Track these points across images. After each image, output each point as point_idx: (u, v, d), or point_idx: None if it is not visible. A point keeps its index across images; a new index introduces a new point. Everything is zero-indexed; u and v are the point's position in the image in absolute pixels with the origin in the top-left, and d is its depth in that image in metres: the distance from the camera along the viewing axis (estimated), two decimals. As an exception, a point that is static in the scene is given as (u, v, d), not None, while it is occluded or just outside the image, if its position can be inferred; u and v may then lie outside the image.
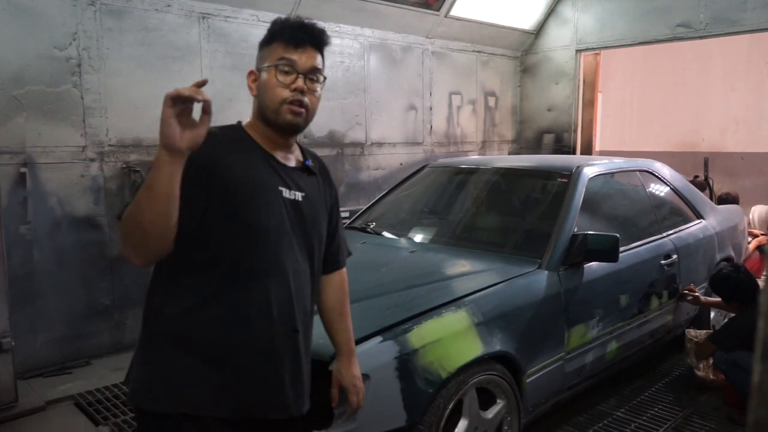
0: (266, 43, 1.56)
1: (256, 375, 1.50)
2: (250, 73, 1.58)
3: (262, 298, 1.49)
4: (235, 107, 4.57)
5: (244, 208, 1.46)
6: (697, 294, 3.77)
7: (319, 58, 1.57)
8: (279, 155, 1.57)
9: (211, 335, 1.46)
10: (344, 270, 1.87)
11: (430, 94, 6.45)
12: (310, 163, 1.65)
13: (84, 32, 3.96)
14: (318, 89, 1.56)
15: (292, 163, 1.60)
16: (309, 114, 1.55)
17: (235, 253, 1.46)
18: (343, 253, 1.87)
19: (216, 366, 1.46)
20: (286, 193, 1.54)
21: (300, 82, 1.51)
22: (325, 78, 1.59)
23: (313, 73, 1.54)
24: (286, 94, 1.50)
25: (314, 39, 1.55)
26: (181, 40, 4.43)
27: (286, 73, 1.51)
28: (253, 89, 1.56)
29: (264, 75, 1.53)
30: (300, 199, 1.57)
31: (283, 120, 1.51)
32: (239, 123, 1.60)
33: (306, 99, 1.52)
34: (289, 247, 1.54)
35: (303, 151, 1.68)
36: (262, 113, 1.54)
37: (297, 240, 1.56)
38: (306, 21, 1.56)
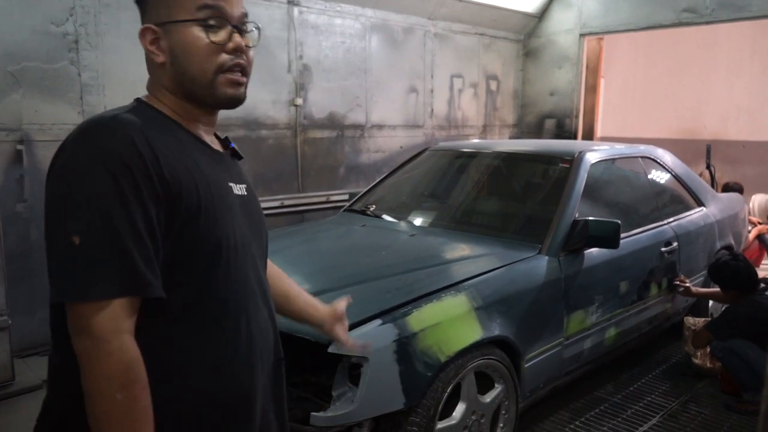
0: None
1: (247, 424, 1.16)
2: (145, 30, 1.08)
3: (245, 335, 1.13)
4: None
5: (212, 217, 1.06)
6: (688, 285, 3.75)
7: None
8: (206, 138, 1.17)
9: (193, 401, 1.07)
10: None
11: (432, 76, 6.39)
12: (234, 145, 1.26)
13: (81, 8, 3.89)
14: (255, 44, 1.15)
15: (219, 148, 1.20)
16: (248, 80, 1.16)
17: (208, 284, 1.07)
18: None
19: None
20: (235, 189, 1.17)
21: (237, 39, 1.10)
22: (259, 28, 1.18)
23: (245, 22, 1.13)
24: (222, 58, 1.09)
25: None
26: (181, 17, 4.36)
27: (215, 28, 1.08)
28: (158, 55, 1.09)
29: (178, 33, 1.06)
30: (245, 192, 1.21)
31: (222, 95, 1.11)
32: (139, 101, 1.13)
33: (244, 58, 1.12)
34: (252, 258, 1.18)
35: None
36: (183, 87, 1.10)
37: (256, 246, 1.21)
38: None
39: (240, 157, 1.28)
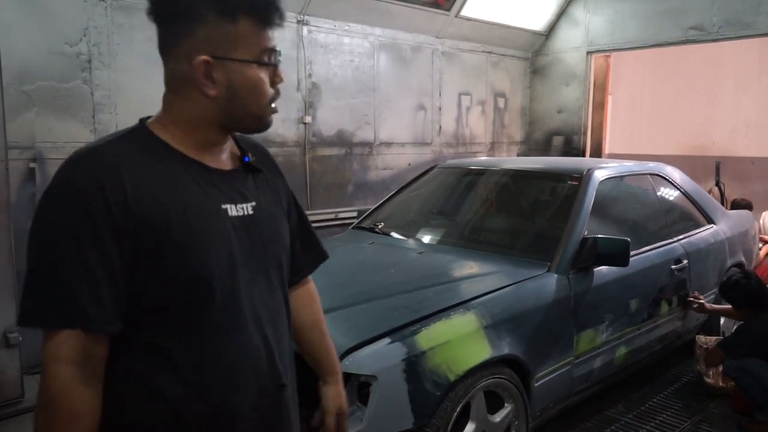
0: (223, 16, 1.06)
1: None
2: (202, 62, 1.06)
3: (224, 361, 1.11)
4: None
5: (186, 251, 1.05)
6: (702, 301, 3.73)
7: None
8: (210, 160, 1.15)
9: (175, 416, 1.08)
10: (310, 279, 1.47)
11: (440, 94, 6.43)
12: (250, 158, 1.22)
13: (95, 28, 3.96)
14: (282, 74, 1.19)
15: (227, 165, 1.19)
16: None
17: (184, 315, 1.07)
18: (310, 258, 1.45)
19: None
20: (233, 210, 1.14)
21: (280, 73, 1.16)
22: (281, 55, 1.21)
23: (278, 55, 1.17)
24: (271, 93, 1.14)
25: (282, 12, 1.14)
26: (192, 37, 4.42)
27: (267, 65, 1.12)
28: (211, 88, 1.08)
29: (239, 71, 1.08)
30: (251, 211, 1.17)
31: (266, 124, 1.16)
32: (142, 123, 1.14)
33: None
34: (250, 284, 1.15)
35: (236, 140, 1.25)
36: (235, 118, 1.13)
37: (259, 268, 1.18)
38: None
39: (258, 171, 1.24)
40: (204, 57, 1.06)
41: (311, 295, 1.47)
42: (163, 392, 1.06)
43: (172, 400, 1.06)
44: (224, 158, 1.19)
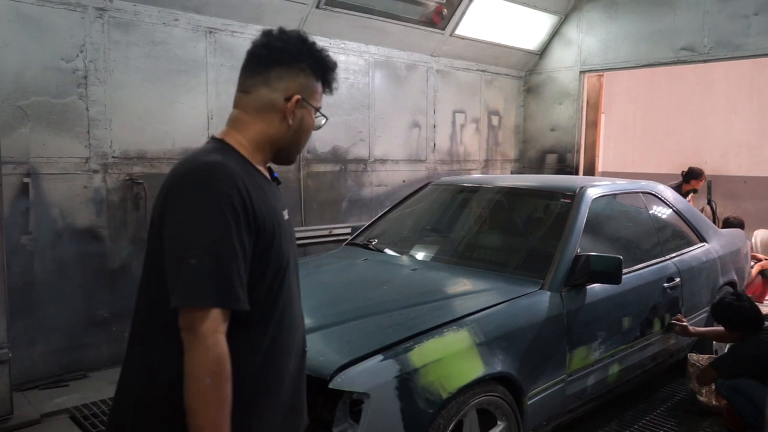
0: (313, 73, 1.45)
1: (292, 406, 1.46)
2: (297, 99, 1.41)
3: (293, 331, 1.44)
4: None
5: (278, 243, 1.35)
6: (684, 324, 3.69)
7: None
8: (263, 171, 1.46)
9: (267, 379, 1.38)
10: None
11: (434, 111, 6.48)
12: (277, 175, 1.53)
13: (91, 44, 3.98)
14: None
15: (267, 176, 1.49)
16: None
17: (277, 291, 1.37)
18: None
19: (271, 408, 1.39)
20: (285, 214, 1.45)
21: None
22: None
23: None
24: None
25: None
26: (188, 54, 4.46)
27: (323, 116, 1.51)
28: (293, 119, 1.42)
29: (307, 114, 1.45)
30: (287, 216, 1.47)
31: (293, 160, 1.52)
32: (220, 142, 1.40)
33: None
34: (295, 270, 1.48)
35: None
36: (284, 146, 1.45)
37: (294, 261, 1.49)
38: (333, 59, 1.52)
39: (279, 183, 1.53)
40: (298, 96, 1.42)
41: None
42: (244, 361, 1.31)
43: (251, 368, 1.33)
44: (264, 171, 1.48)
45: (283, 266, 1.37)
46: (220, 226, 1.23)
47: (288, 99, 1.41)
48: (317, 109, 1.48)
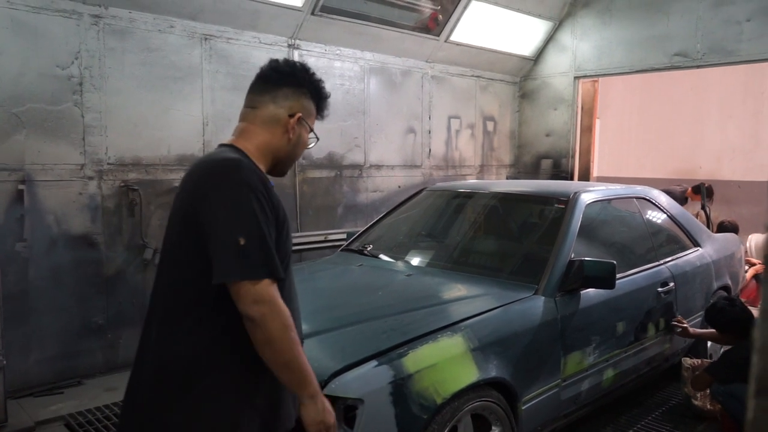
0: (312, 99, 1.68)
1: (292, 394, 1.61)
2: (300, 117, 1.65)
3: (296, 318, 1.57)
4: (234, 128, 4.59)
5: (285, 235, 1.57)
6: (685, 325, 3.73)
7: None
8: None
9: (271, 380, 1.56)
10: None
11: (429, 117, 6.50)
12: (273, 184, 1.68)
13: (86, 51, 3.99)
14: None
15: None
16: None
17: (286, 279, 1.56)
18: None
19: (277, 391, 1.59)
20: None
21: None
22: None
23: None
24: None
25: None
26: (183, 60, 4.47)
27: (316, 138, 1.73)
28: (293, 133, 1.64)
29: (304, 132, 1.67)
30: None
31: (286, 172, 1.72)
32: (237, 150, 1.59)
33: None
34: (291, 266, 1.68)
35: None
36: (279, 156, 1.65)
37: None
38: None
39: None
40: (300, 114, 1.65)
41: None
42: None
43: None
44: None
45: (288, 256, 1.59)
46: (258, 211, 1.45)
47: (291, 116, 1.63)
48: (311, 129, 1.69)
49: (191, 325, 1.49)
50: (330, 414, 1.55)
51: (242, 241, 1.41)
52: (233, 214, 1.44)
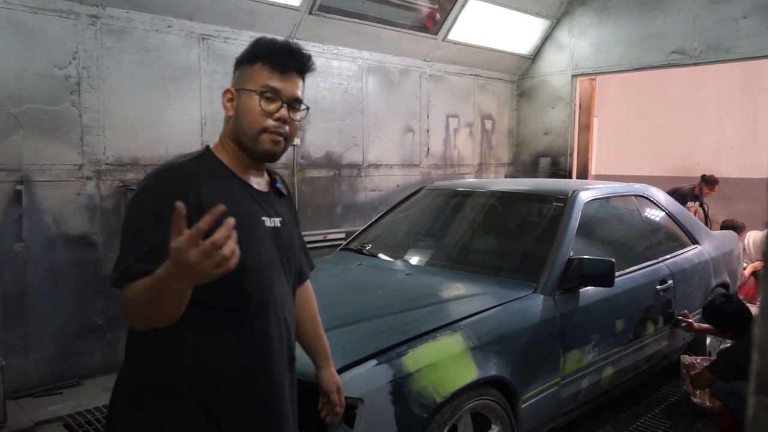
0: (248, 62, 1.49)
1: (263, 413, 1.47)
2: (227, 91, 1.50)
3: (263, 335, 1.46)
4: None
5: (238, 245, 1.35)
6: (690, 320, 3.75)
7: (302, 85, 1.52)
8: (253, 181, 1.52)
9: (219, 379, 1.41)
10: (308, 281, 1.85)
11: (428, 116, 6.50)
12: (280, 185, 1.61)
13: (84, 51, 3.98)
14: (298, 118, 1.52)
15: (265, 188, 1.56)
16: (287, 143, 1.51)
17: (235, 292, 1.41)
18: (308, 266, 1.83)
19: (227, 410, 1.41)
20: (267, 222, 1.50)
21: (284, 112, 1.46)
22: (307, 108, 1.54)
23: (296, 103, 1.50)
24: (268, 122, 1.45)
25: (301, 67, 1.50)
26: (181, 60, 4.46)
27: (270, 100, 1.45)
28: (230, 109, 1.49)
29: (244, 98, 1.46)
30: (278, 225, 1.53)
31: (261, 149, 1.46)
32: (207, 148, 1.52)
33: (287, 129, 1.48)
34: (278, 277, 1.51)
35: (269, 172, 1.63)
36: (237, 136, 1.47)
37: (283, 268, 1.54)
38: (294, 46, 1.50)
39: (283, 195, 1.61)
40: (228, 88, 1.51)
41: (311, 293, 1.85)
42: (211, 351, 1.40)
43: (217, 360, 1.40)
44: (262, 183, 1.56)
45: (244, 263, 1.32)
46: (138, 218, 1.38)
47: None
48: (256, 91, 1.45)
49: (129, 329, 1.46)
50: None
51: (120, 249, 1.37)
52: (123, 223, 1.43)
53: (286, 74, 1.47)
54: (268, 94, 1.45)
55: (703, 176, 7.03)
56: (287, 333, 1.54)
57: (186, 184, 1.36)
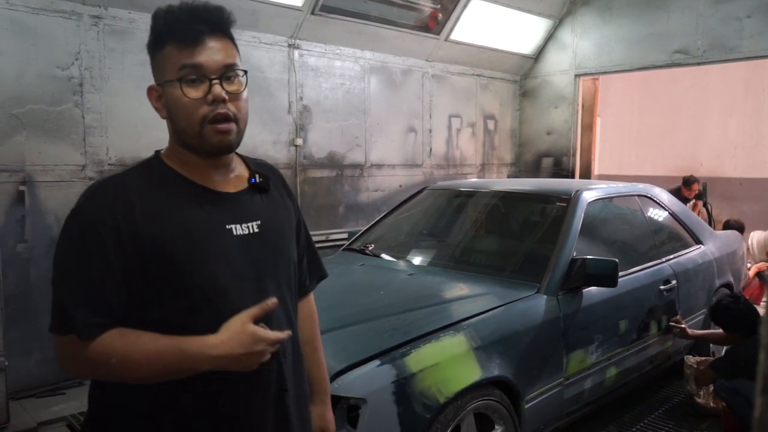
0: (155, 47, 1.20)
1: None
2: (150, 89, 1.23)
3: (236, 372, 1.16)
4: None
5: (188, 267, 1.15)
6: (683, 326, 3.71)
7: (228, 46, 1.22)
8: (215, 182, 1.25)
9: (181, 422, 1.19)
10: (311, 296, 1.56)
11: (430, 116, 6.49)
12: (256, 180, 1.30)
13: (87, 52, 3.99)
14: (240, 89, 1.22)
15: (233, 187, 1.27)
16: (240, 125, 1.22)
17: (193, 323, 1.15)
18: (313, 276, 1.55)
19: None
20: (237, 230, 1.22)
21: (217, 90, 1.17)
22: (245, 72, 1.24)
23: (228, 71, 1.20)
24: (204, 110, 1.17)
25: (214, 25, 1.20)
26: (183, 60, 4.45)
27: (194, 82, 1.17)
28: (161, 110, 1.23)
29: (169, 91, 1.19)
30: (256, 230, 1.25)
31: (209, 144, 1.19)
32: (157, 154, 1.28)
33: (231, 108, 1.19)
34: (257, 296, 1.20)
35: (246, 162, 1.35)
36: (180, 139, 1.22)
37: (269, 281, 1.26)
38: (195, 4, 1.20)
39: (264, 190, 1.31)
40: (151, 84, 1.23)
41: (311, 311, 1.54)
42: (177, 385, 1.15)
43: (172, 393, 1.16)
44: (231, 180, 1.28)
45: (201, 288, 1.16)
46: (71, 247, 1.20)
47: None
48: (175, 80, 1.17)
49: None
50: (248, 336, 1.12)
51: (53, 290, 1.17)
52: (55, 251, 1.20)
53: (199, 43, 1.17)
54: (190, 77, 1.17)
55: (683, 178, 7.01)
56: (278, 360, 1.24)
57: (114, 200, 1.15)
